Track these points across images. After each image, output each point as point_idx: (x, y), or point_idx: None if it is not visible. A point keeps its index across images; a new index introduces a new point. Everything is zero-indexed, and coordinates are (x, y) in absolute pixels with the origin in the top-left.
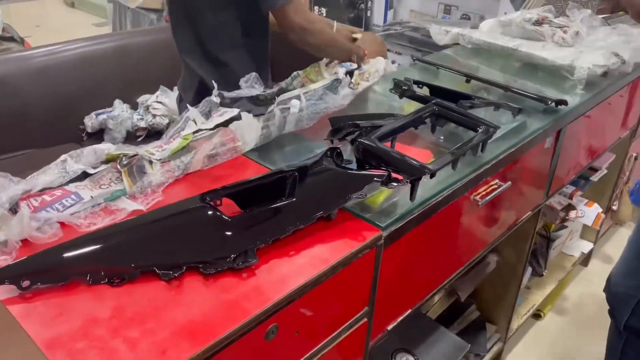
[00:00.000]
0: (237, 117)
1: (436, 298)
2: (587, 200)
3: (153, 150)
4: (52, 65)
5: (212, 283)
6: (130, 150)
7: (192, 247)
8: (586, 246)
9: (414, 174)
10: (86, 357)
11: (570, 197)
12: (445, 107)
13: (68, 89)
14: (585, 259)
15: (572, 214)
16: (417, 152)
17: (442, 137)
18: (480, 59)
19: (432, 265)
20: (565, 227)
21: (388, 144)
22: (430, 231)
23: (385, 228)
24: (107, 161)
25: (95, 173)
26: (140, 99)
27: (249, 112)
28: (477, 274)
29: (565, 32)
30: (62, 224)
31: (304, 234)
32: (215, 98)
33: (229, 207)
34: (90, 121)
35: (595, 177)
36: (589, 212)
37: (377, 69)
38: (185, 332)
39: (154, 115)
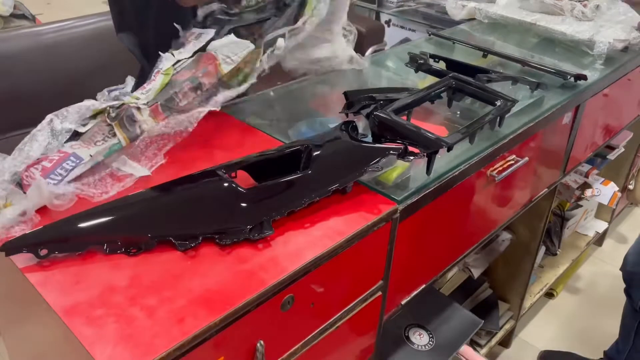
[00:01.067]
0: (214, 38)
1: (449, 275)
2: (604, 179)
3: (138, 94)
4: (64, 41)
5: (228, 254)
6: (115, 102)
7: (208, 218)
8: (601, 226)
9: (430, 147)
10: (105, 323)
11: (587, 176)
12: (463, 80)
13: (80, 65)
14: (600, 239)
15: (588, 192)
16: (432, 128)
17: (458, 113)
18: (498, 34)
19: (446, 241)
20: (580, 206)
21: (404, 117)
22: (446, 206)
23: (401, 201)
24: (94, 116)
25: (86, 131)
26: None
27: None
28: (490, 252)
29: (585, 5)
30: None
31: (320, 206)
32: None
33: (243, 180)
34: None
35: (612, 156)
36: (605, 191)
37: None
38: (202, 300)
39: None
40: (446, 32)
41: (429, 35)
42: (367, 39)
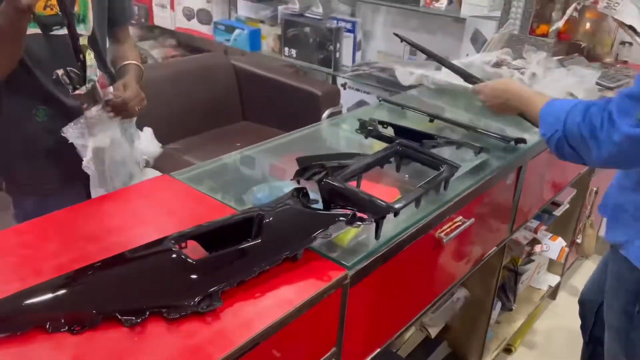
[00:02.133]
0: None
1: (406, 335)
2: (552, 235)
3: None
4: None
5: (176, 328)
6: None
7: (156, 291)
8: (553, 279)
9: (378, 213)
10: None
11: (535, 232)
12: (409, 147)
13: None
14: (553, 292)
15: (537, 248)
16: (384, 190)
17: (407, 175)
18: (445, 99)
19: (400, 302)
20: (532, 260)
21: (354, 183)
22: (397, 268)
23: (351, 267)
24: None
25: None
26: None
27: None
28: (446, 310)
29: (522, 73)
30: None
31: (270, 275)
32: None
33: (194, 250)
34: None
35: (558, 212)
36: (553, 246)
37: None
38: None
39: None
40: (397, 97)
41: (380, 101)
42: (323, 102)
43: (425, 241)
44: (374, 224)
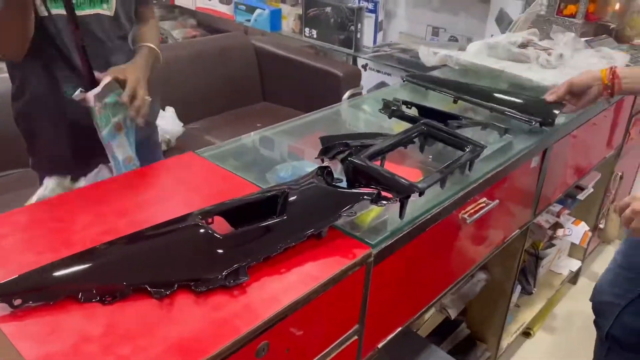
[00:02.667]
0: None
1: (426, 316)
2: (575, 219)
3: None
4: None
5: (203, 301)
6: None
7: (184, 265)
8: (574, 264)
9: (403, 192)
10: None
11: (558, 216)
12: (434, 127)
13: None
14: (574, 277)
15: (560, 232)
16: (406, 171)
17: (430, 157)
18: (468, 80)
19: (422, 282)
20: (554, 245)
21: (378, 162)
22: (420, 249)
23: (375, 245)
24: None
25: None
26: None
27: None
28: (466, 292)
29: (549, 54)
30: None
31: (295, 252)
32: None
33: (220, 226)
34: None
35: (581, 196)
36: (576, 231)
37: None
38: (177, 349)
39: None
40: (420, 78)
41: (403, 80)
42: (344, 83)
43: (449, 222)
44: (398, 204)
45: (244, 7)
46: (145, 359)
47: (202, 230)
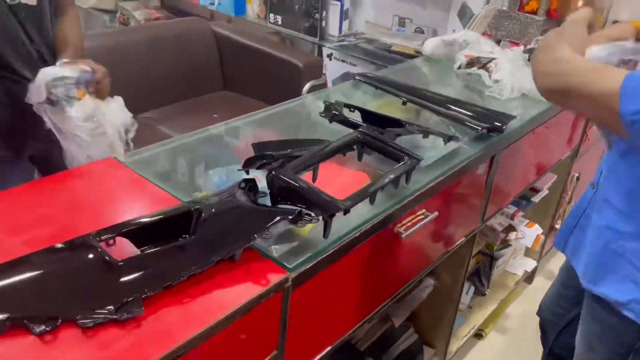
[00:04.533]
0: None
1: (367, 326)
2: (528, 221)
3: None
4: None
5: (90, 337)
6: None
7: (71, 296)
8: (530, 264)
9: (326, 211)
10: None
11: (512, 218)
12: (370, 135)
13: None
14: (530, 277)
15: (512, 235)
16: (352, 175)
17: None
18: (434, 75)
19: (353, 299)
20: (509, 245)
21: (310, 173)
22: (350, 266)
23: (294, 269)
24: None
25: None
26: None
27: None
28: (413, 299)
29: (489, 70)
30: None
31: (205, 276)
32: None
33: (124, 248)
34: None
35: (536, 198)
36: (529, 233)
37: None
38: None
39: None
40: (385, 71)
41: (354, 79)
42: (305, 74)
43: (383, 236)
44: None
45: None
46: None
47: (94, 256)
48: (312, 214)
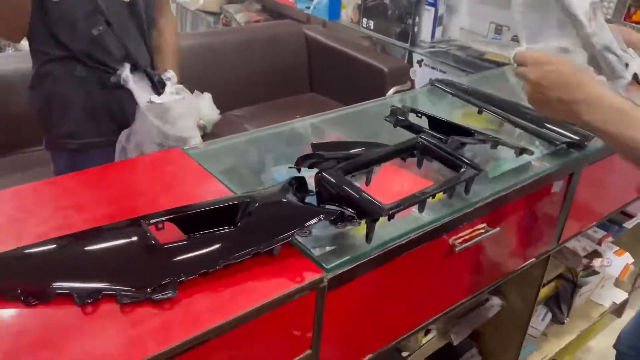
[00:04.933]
0: None
1: (423, 340)
2: (618, 249)
3: None
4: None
5: (126, 314)
6: None
7: (114, 272)
8: (620, 296)
9: (367, 214)
10: None
11: (599, 243)
12: (430, 142)
13: None
14: (619, 310)
15: (597, 262)
16: (415, 180)
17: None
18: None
19: (401, 309)
20: (597, 272)
21: (363, 177)
22: (395, 273)
23: (330, 270)
24: None
25: None
26: None
27: None
28: (476, 318)
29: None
30: None
31: (242, 267)
32: None
33: (173, 233)
34: None
35: (629, 224)
36: (616, 262)
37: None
38: None
39: None
40: (466, 79)
41: (431, 84)
42: (389, 79)
43: (434, 247)
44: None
45: None
46: None
47: (141, 237)
48: (355, 217)
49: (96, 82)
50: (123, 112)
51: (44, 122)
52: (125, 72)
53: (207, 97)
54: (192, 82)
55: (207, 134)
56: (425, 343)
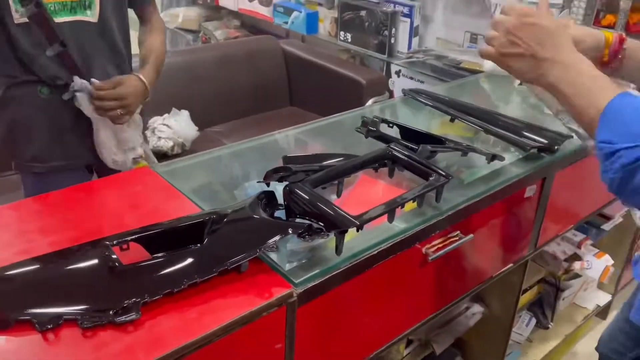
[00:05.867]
0: None
1: (405, 350)
2: (598, 251)
3: None
4: None
5: (87, 338)
6: None
7: (75, 296)
8: (603, 298)
9: (335, 226)
10: None
11: (579, 246)
12: (399, 151)
13: None
14: (603, 312)
15: (577, 265)
16: (387, 190)
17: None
18: (492, 92)
19: (377, 320)
20: (579, 275)
21: (335, 188)
22: (368, 285)
23: (299, 284)
24: None
25: None
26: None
27: None
28: (457, 326)
29: None
30: None
31: (209, 286)
32: None
33: (139, 253)
34: None
35: (607, 226)
36: (596, 264)
37: None
38: None
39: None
40: (439, 88)
41: (404, 95)
42: (367, 91)
43: (408, 257)
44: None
45: (282, 9)
46: None
47: (103, 259)
48: (323, 229)
49: (60, 104)
50: (91, 133)
51: (8, 147)
52: (76, 86)
53: (185, 114)
54: (171, 99)
55: (186, 151)
56: (407, 354)
